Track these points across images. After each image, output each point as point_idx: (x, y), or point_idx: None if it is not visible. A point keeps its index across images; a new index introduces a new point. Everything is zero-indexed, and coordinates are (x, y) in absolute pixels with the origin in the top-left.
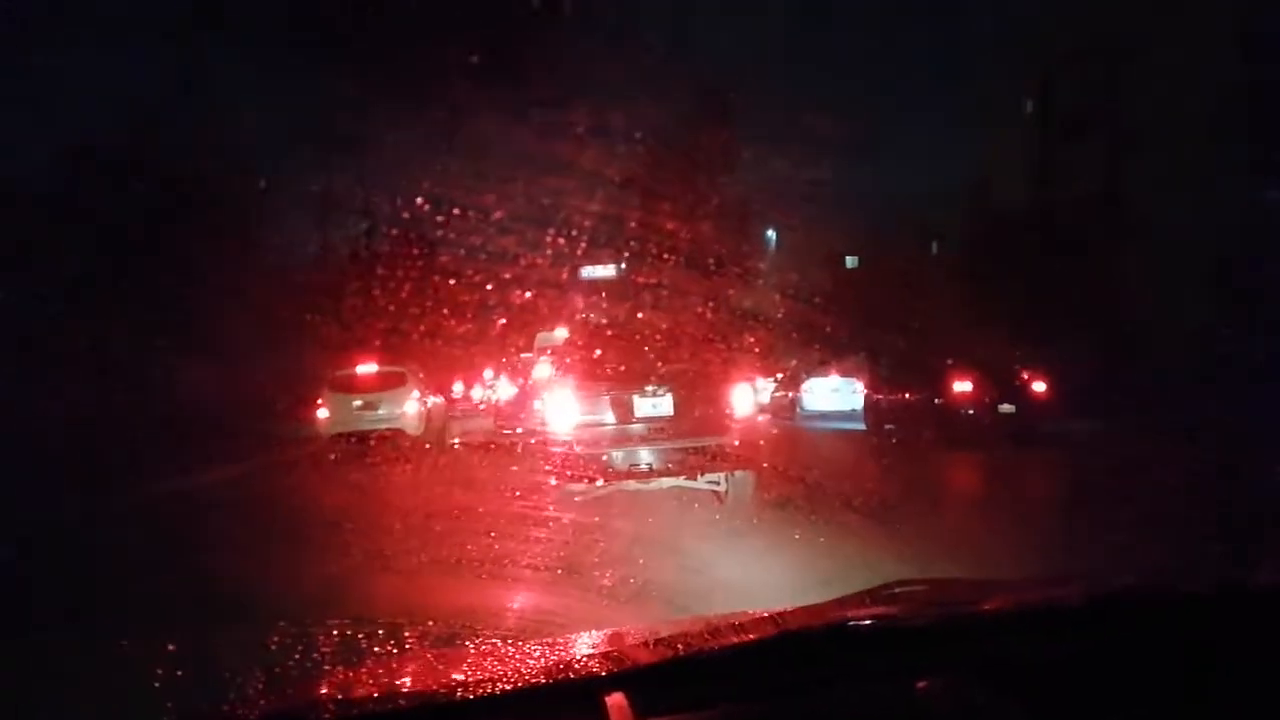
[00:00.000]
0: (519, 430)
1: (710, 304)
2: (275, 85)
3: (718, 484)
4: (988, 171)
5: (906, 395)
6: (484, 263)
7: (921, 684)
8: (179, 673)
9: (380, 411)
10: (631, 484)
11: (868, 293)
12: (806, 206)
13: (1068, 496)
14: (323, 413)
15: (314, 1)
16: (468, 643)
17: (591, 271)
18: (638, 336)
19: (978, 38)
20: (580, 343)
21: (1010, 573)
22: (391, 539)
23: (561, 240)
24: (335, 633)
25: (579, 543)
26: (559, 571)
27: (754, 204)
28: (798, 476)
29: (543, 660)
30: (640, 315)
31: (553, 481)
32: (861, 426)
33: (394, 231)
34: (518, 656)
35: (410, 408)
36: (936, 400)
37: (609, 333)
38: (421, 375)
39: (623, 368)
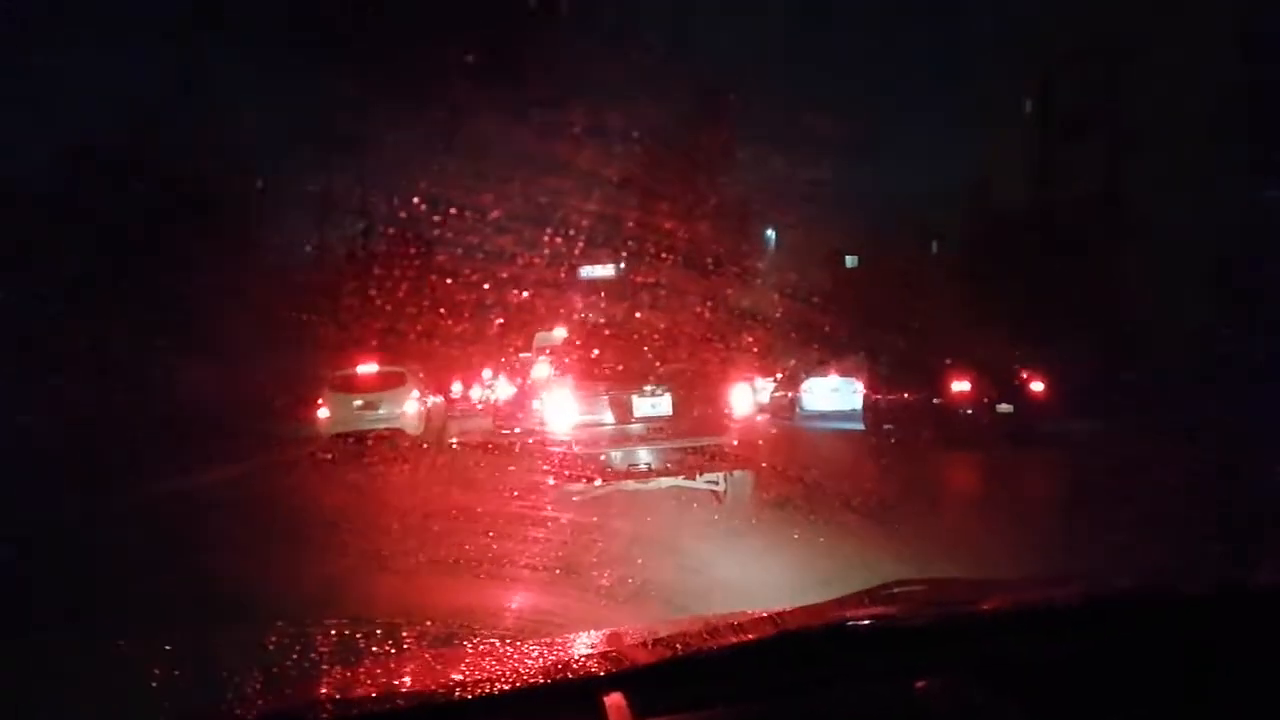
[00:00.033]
0: (517, 430)
1: (709, 304)
2: (274, 85)
3: (716, 484)
4: (988, 171)
5: (905, 395)
6: (482, 262)
7: (920, 684)
8: (177, 672)
9: (380, 411)
10: (630, 484)
11: (867, 292)
12: (806, 206)
13: (1065, 496)
14: (323, 412)
15: (313, 1)
16: (466, 643)
17: (590, 271)
18: (637, 336)
19: (978, 38)
20: (579, 342)
21: (1008, 573)
22: (390, 538)
23: (560, 240)
24: (333, 633)
25: (578, 542)
26: (557, 571)
27: (753, 203)
28: (796, 476)
29: (541, 660)
30: (639, 315)
31: (551, 481)
32: (860, 426)
33: (393, 231)
34: (516, 656)
35: (410, 407)
36: (935, 400)
37: (608, 332)
38: (421, 375)
39: (622, 368)
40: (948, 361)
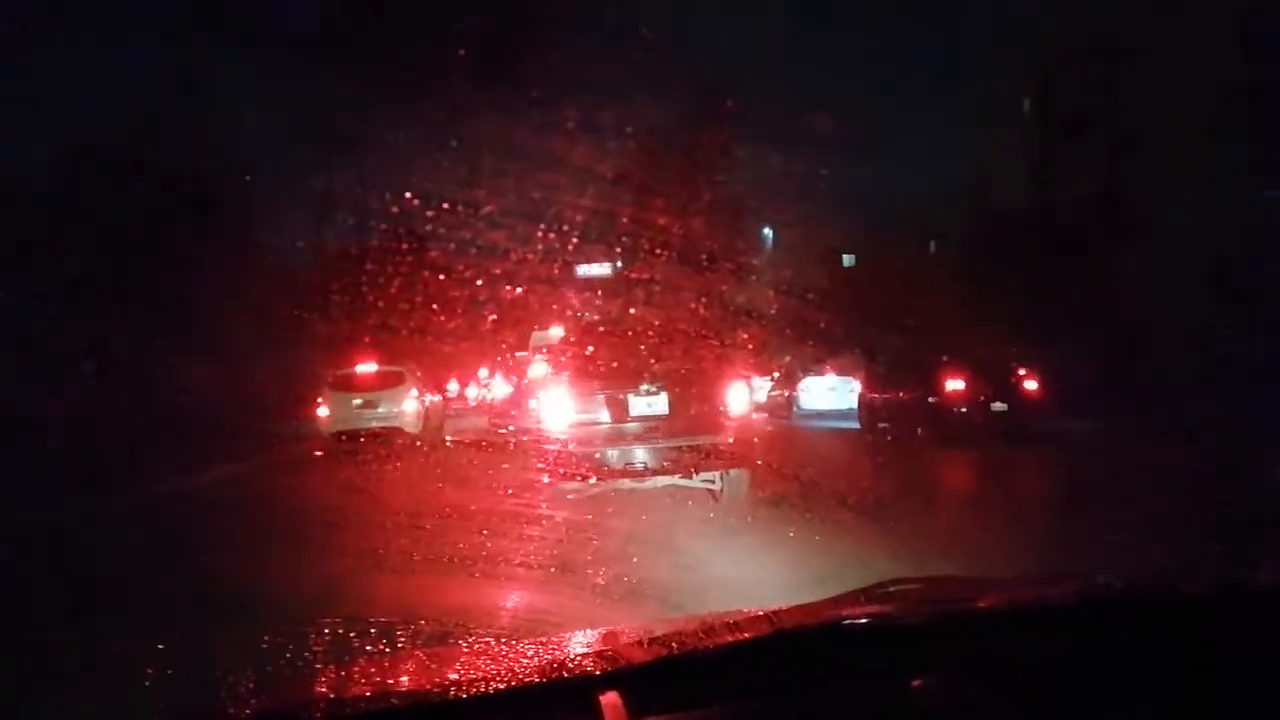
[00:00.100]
0: (511, 428)
1: (706, 302)
2: (274, 85)
3: (713, 482)
4: (987, 171)
5: (900, 394)
6: (479, 261)
7: (916, 682)
8: (171, 672)
9: (380, 410)
10: (627, 482)
11: (865, 292)
12: (805, 205)
13: (1059, 495)
14: (323, 411)
15: (310, 0)
16: (461, 642)
17: (587, 270)
18: (633, 335)
19: (978, 38)
20: (575, 341)
21: (1004, 571)
22: (386, 537)
23: (557, 239)
24: (328, 632)
25: (573, 541)
26: (553, 570)
27: (753, 203)
28: (792, 475)
29: (537, 659)
30: (636, 313)
31: (547, 480)
32: (856, 425)
33: (390, 230)
34: (511, 656)
35: (409, 406)
36: (930, 399)
37: (604, 331)
38: (419, 374)
39: (618, 366)
40: (943, 360)
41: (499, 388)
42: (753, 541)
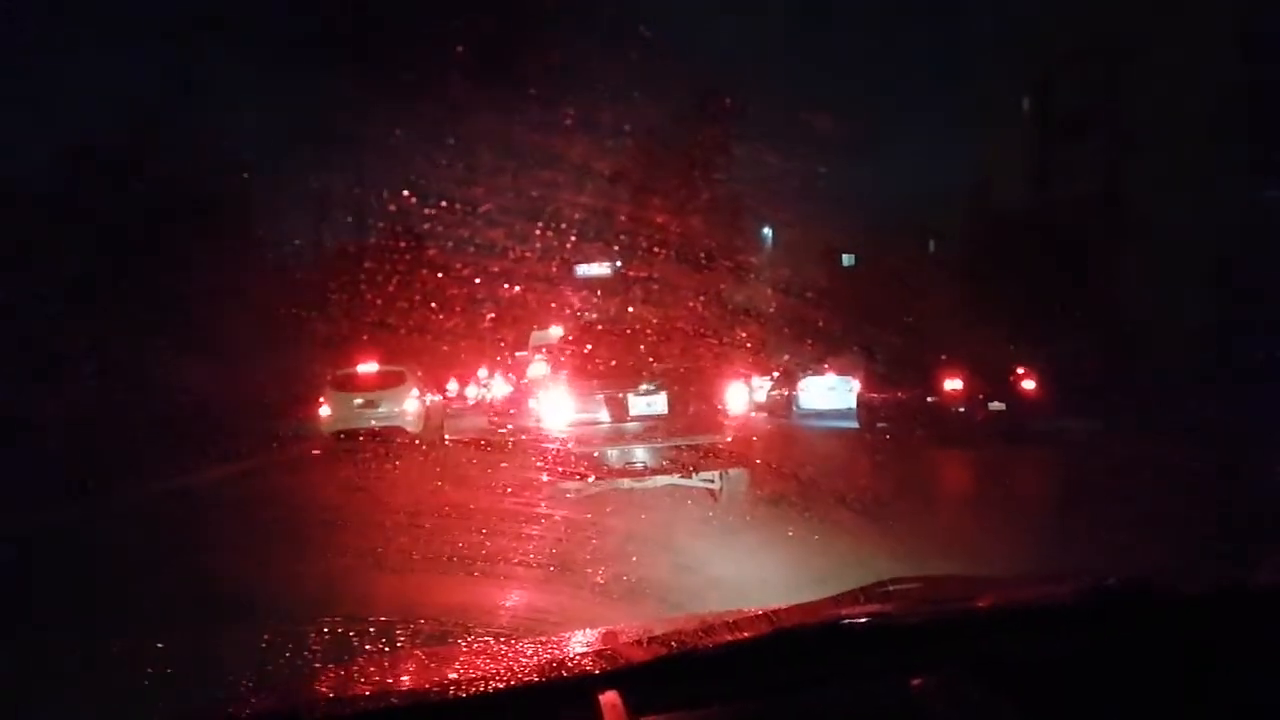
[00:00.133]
0: (510, 428)
1: (706, 302)
2: (275, 85)
3: (712, 482)
4: (988, 171)
5: (899, 393)
6: (479, 261)
7: (916, 681)
8: (170, 672)
9: (380, 410)
10: (626, 482)
11: (865, 291)
12: (805, 205)
13: (1055, 495)
14: (325, 410)
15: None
16: (460, 641)
17: (586, 270)
18: (633, 334)
19: (978, 38)
20: (575, 341)
21: (1003, 570)
22: (386, 536)
23: (557, 239)
24: (327, 631)
25: (573, 540)
26: (552, 569)
27: (752, 202)
28: (791, 474)
29: (536, 658)
30: (636, 313)
31: (546, 479)
32: (855, 425)
33: (391, 230)
34: (511, 655)
35: (410, 406)
36: (928, 398)
37: (604, 331)
38: (420, 374)
39: (618, 366)
40: (941, 360)
41: (498, 387)
42: (752, 541)
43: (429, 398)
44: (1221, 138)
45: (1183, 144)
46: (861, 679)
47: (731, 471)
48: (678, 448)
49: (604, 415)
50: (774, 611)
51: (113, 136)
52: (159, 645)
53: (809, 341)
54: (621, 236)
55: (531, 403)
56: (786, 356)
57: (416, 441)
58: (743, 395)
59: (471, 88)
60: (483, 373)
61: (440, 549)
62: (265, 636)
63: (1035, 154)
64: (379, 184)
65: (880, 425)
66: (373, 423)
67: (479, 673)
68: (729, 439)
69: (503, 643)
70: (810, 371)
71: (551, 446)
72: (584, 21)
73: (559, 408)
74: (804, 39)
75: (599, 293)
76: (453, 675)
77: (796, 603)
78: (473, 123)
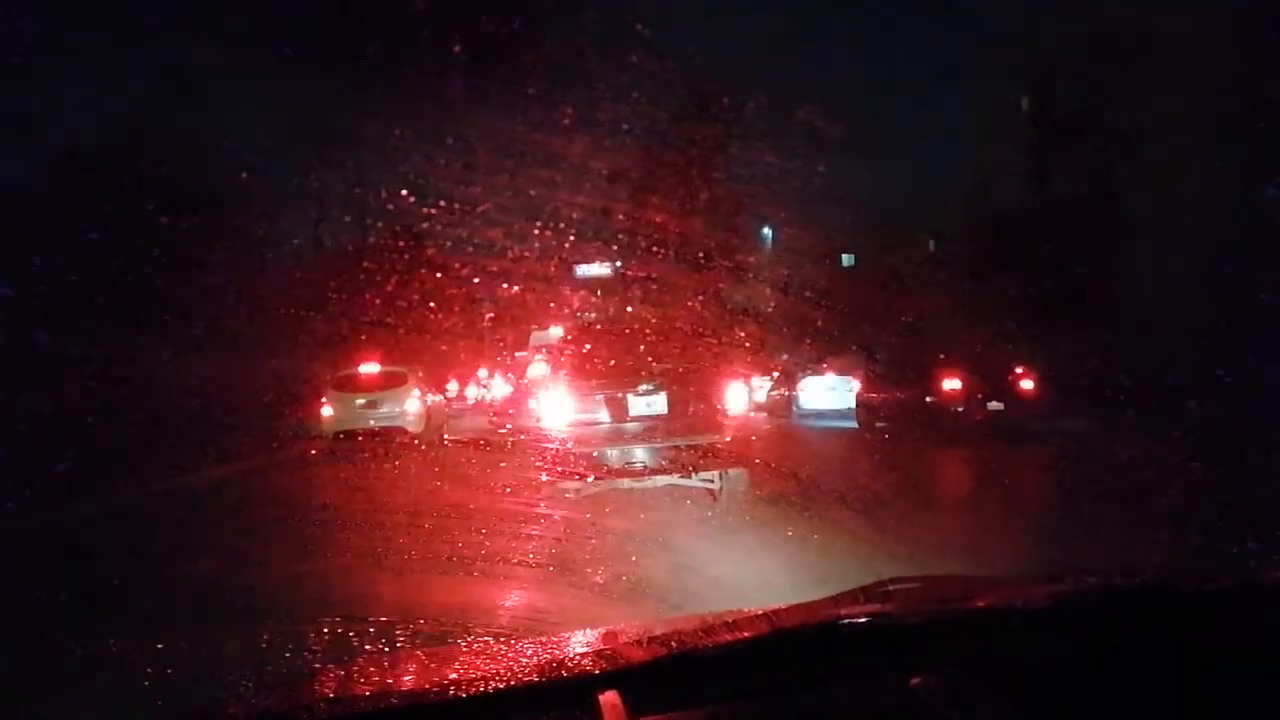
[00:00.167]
0: (510, 428)
1: (707, 302)
2: (276, 85)
3: (712, 482)
4: (986, 171)
5: (898, 393)
6: (480, 261)
7: (915, 681)
8: (170, 672)
9: (382, 410)
10: (626, 482)
11: (865, 291)
12: (805, 205)
13: (1053, 494)
14: (327, 411)
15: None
16: (460, 641)
17: (587, 269)
18: (633, 335)
19: (977, 38)
20: (575, 341)
21: (1003, 569)
22: (385, 536)
23: (559, 240)
24: (327, 631)
25: (572, 540)
26: (552, 569)
27: (752, 202)
28: (791, 473)
29: (536, 658)
30: (636, 313)
31: (546, 479)
32: (855, 425)
33: (392, 231)
34: (510, 655)
35: (411, 406)
36: (927, 398)
37: (604, 331)
38: (421, 374)
39: (618, 366)
40: (940, 359)
41: (499, 387)
42: (752, 540)
43: (430, 398)
44: (1221, 138)
45: (1182, 144)
46: (861, 679)
47: (731, 471)
48: (677, 448)
49: (604, 415)
50: (774, 611)
51: (112, 136)
52: (159, 645)
53: (808, 341)
54: (619, 236)
55: (531, 403)
56: (785, 356)
57: (416, 441)
58: (742, 395)
59: (473, 87)
60: (483, 373)
61: (440, 549)
62: (265, 636)
63: (1034, 154)
64: (380, 184)
65: (879, 425)
66: (375, 423)
67: (479, 673)
68: (728, 439)
69: (502, 643)
70: (810, 371)
71: (551, 446)
72: (583, 21)
73: (559, 408)
74: (803, 39)
75: (599, 293)
76: (452, 675)
77: (796, 602)
78: (473, 122)
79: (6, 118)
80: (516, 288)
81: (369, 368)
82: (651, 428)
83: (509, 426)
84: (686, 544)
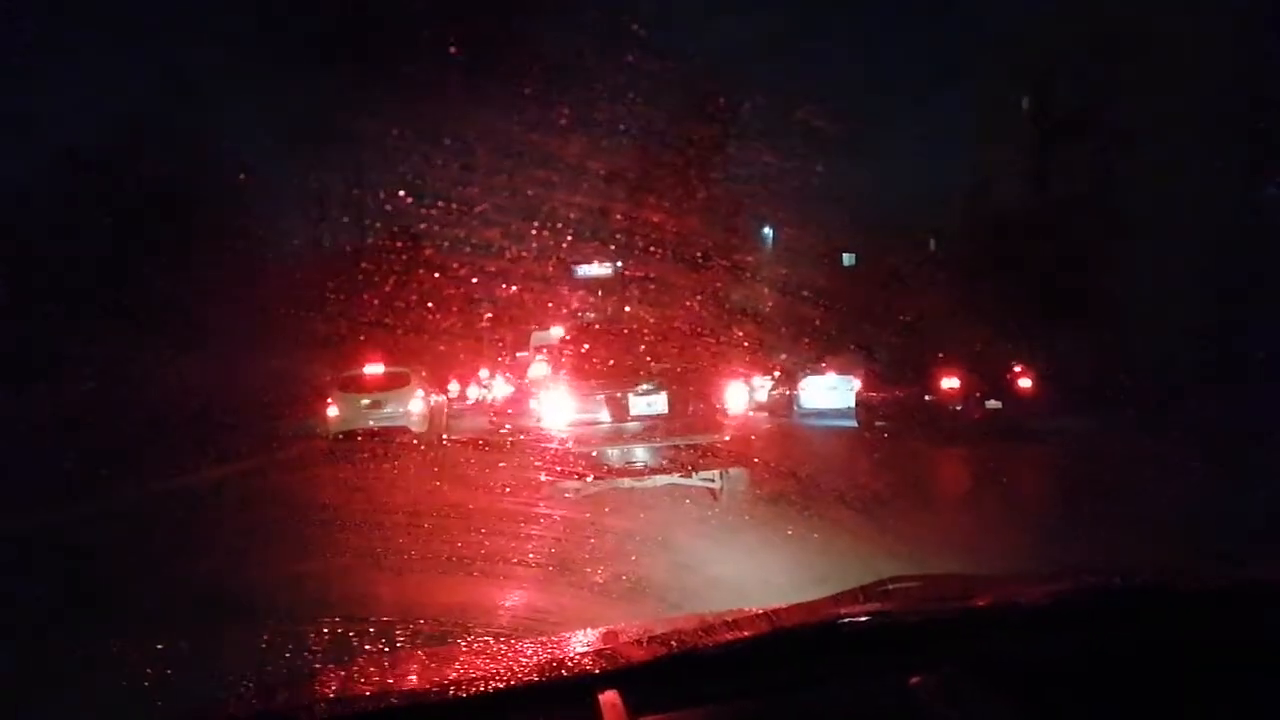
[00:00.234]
0: (510, 428)
1: (707, 302)
2: (276, 85)
3: (712, 481)
4: (986, 171)
5: (897, 392)
6: (481, 262)
7: (915, 680)
8: (170, 672)
9: (386, 410)
10: (626, 481)
11: (865, 291)
12: (805, 205)
13: (1051, 493)
14: (332, 411)
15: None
16: (460, 641)
17: (588, 270)
18: (633, 335)
19: (977, 38)
20: (575, 341)
21: (1002, 568)
22: (386, 536)
23: (560, 241)
24: (327, 631)
25: (572, 540)
26: (552, 569)
27: (752, 202)
28: (791, 473)
29: (536, 658)
30: (636, 313)
31: (547, 479)
32: (855, 424)
33: (393, 233)
34: (510, 655)
35: (415, 406)
36: (926, 397)
37: (605, 331)
38: (424, 374)
39: (618, 366)
40: (939, 358)
41: (499, 387)
42: (752, 540)
43: (433, 398)
44: (1221, 138)
45: (1182, 144)
46: (861, 678)
47: (731, 471)
48: (677, 447)
49: (604, 415)
50: (773, 611)
51: (112, 136)
52: (159, 645)
53: (809, 341)
54: (618, 236)
55: (532, 403)
56: (784, 356)
57: (416, 441)
58: (743, 395)
59: (475, 87)
60: (484, 373)
61: (440, 549)
62: (265, 637)
63: (1034, 154)
64: (380, 184)
65: (878, 424)
66: (379, 423)
67: (479, 673)
68: (728, 438)
69: (502, 642)
70: (810, 371)
71: (552, 446)
72: (583, 21)
73: (559, 407)
74: (803, 39)
75: (599, 293)
76: (452, 675)
77: (796, 602)
78: (474, 123)
79: (6, 118)
80: (517, 288)
81: (373, 368)
82: (652, 427)
83: (509, 426)
84: (686, 543)
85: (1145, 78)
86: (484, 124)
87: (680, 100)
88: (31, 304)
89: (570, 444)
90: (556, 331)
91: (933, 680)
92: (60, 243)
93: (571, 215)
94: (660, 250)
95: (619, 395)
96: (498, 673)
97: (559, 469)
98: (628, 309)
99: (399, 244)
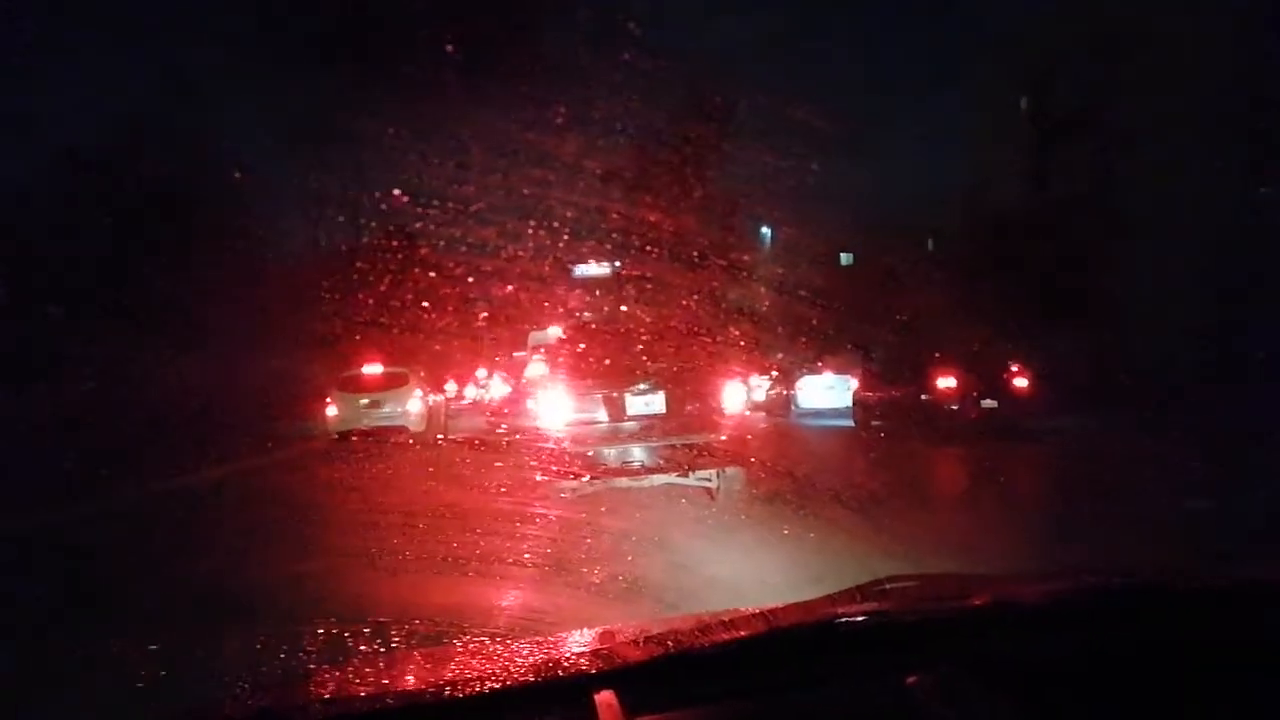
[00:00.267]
0: (507, 428)
1: (704, 302)
2: (275, 85)
3: (709, 481)
4: (985, 171)
5: (894, 392)
6: (478, 262)
7: (912, 679)
8: (168, 672)
9: (385, 410)
10: (624, 481)
11: (863, 291)
12: (803, 204)
13: (1049, 492)
14: (331, 411)
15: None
16: (456, 641)
17: (585, 270)
18: (630, 335)
19: (976, 38)
20: (573, 341)
21: (999, 568)
22: (381, 536)
23: (557, 241)
24: (323, 632)
25: (569, 540)
26: (548, 569)
27: (750, 202)
28: (787, 472)
29: (532, 658)
30: (633, 313)
31: (541, 478)
32: (852, 423)
33: (391, 233)
34: (506, 655)
35: (413, 406)
36: (922, 396)
37: (602, 331)
38: (423, 374)
39: (615, 366)
40: (935, 358)
41: (497, 387)
42: (748, 539)
43: (432, 398)
44: (1220, 138)
45: (1182, 144)
46: (858, 678)
47: (728, 470)
48: (674, 447)
49: (601, 415)
50: (770, 610)
51: (112, 136)
52: (157, 645)
53: (807, 341)
54: (615, 236)
55: (530, 403)
56: (781, 355)
57: (414, 441)
58: (740, 394)
59: (474, 87)
60: (481, 373)
61: (436, 549)
62: (262, 637)
63: (1033, 154)
64: (378, 184)
65: (875, 424)
66: (378, 423)
67: (475, 673)
68: (725, 438)
69: (498, 643)
70: (808, 370)
71: (549, 446)
72: (580, 21)
73: (557, 407)
74: (803, 39)
75: (596, 292)
76: (448, 675)
77: (792, 601)
78: (472, 122)
79: (6, 118)
80: (514, 288)
81: (372, 368)
82: (649, 427)
83: (507, 426)
84: (683, 543)
85: (1145, 78)
86: (482, 123)
87: (679, 100)
88: (31, 304)
89: (567, 443)
90: (554, 331)
91: (930, 680)
92: (60, 243)
93: (569, 215)
94: (658, 250)
95: (616, 395)
96: (493, 673)
97: (556, 469)
98: (625, 309)
99: (397, 244)
